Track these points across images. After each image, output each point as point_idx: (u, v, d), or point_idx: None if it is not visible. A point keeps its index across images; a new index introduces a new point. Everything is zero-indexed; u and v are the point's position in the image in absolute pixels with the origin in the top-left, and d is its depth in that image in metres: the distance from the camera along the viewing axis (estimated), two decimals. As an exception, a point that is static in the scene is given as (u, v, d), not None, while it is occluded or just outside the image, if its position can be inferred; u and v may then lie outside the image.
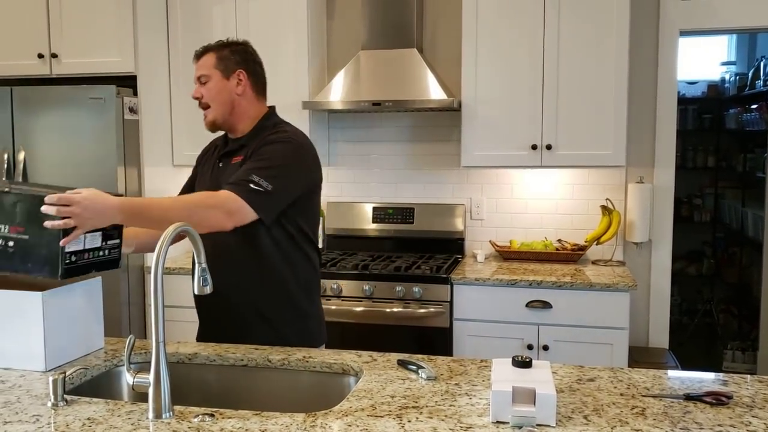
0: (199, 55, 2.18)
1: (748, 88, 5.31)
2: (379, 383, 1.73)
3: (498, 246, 3.65)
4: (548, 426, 1.46)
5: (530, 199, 3.72)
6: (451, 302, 3.22)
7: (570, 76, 3.30)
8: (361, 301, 3.29)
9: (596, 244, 3.53)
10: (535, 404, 1.47)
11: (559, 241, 3.65)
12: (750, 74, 5.32)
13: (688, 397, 1.61)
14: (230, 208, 1.90)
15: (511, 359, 1.65)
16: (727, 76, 5.84)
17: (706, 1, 3.47)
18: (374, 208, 3.86)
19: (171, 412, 1.50)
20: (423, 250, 3.76)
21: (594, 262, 3.54)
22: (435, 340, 3.23)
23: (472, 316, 3.21)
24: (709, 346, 5.27)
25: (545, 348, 3.11)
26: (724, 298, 5.90)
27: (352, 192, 3.95)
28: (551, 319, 3.11)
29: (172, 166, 3.77)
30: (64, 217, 1.69)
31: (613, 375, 1.79)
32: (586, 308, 3.09)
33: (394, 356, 1.95)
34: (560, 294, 3.12)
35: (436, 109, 3.62)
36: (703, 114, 5.91)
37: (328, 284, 3.30)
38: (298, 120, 3.57)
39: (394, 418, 1.51)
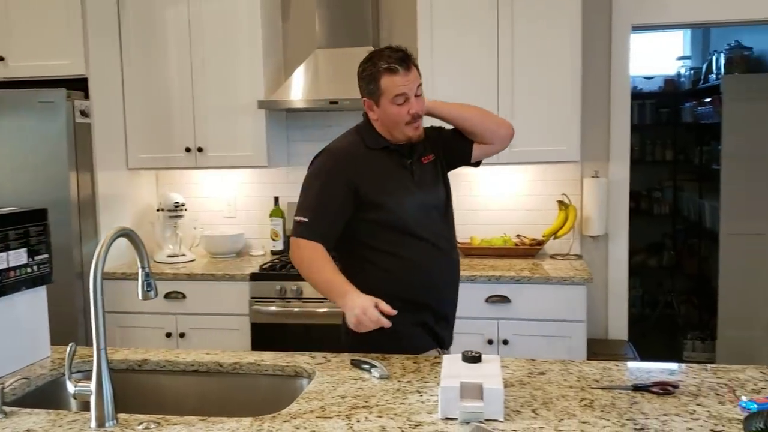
0: (408, 65, 2.06)
1: (702, 82, 5.41)
2: (330, 384, 1.72)
3: (459, 243, 3.65)
4: (496, 420, 1.46)
5: (489, 196, 3.74)
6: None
7: (525, 73, 3.32)
8: (323, 302, 3.26)
9: (554, 239, 3.56)
10: (483, 399, 1.47)
11: (518, 236, 3.67)
12: (704, 68, 5.41)
13: (636, 388, 1.63)
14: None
15: (461, 355, 1.66)
16: (682, 71, 5.94)
17: (657, -3, 3.52)
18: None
19: (114, 421, 1.47)
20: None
21: (552, 257, 3.57)
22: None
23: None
24: (671, 336, 5.35)
25: (505, 342, 3.13)
26: (684, 289, 6.00)
27: (313, 192, 3.91)
28: (511, 313, 3.13)
29: (127, 169, 3.71)
30: None
31: (563, 368, 1.81)
32: (544, 302, 3.11)
33: (348, 356, 1.95)
34: (519, 288, 3.13)
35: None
36: (661, 108, 6.00)
37: (288, 286, 3.27)
38: (254, 119, 3.56)
39: (343, 419, 1.50)
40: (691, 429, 1.40)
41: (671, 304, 5.90)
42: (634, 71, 6.04)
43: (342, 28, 3.60)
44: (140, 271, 1.61)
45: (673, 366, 1.81)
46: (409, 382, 1.73)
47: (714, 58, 5.08)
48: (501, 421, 1.46)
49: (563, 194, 3.58)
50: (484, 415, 1.46)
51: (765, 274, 4.63)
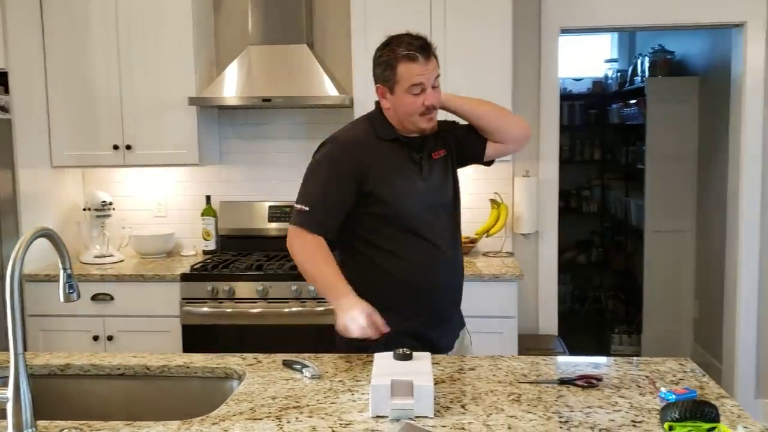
0: (428, 54, 1.98)
1: (628, 84, 5.59)
2: (261, 385, 1.70)
3: (393, 241, 3.67)
4: (426, 417, 1.48)
5: (423, 194, 3.76)
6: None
7: (457, 72, 3.35)
8: (256, 302, 3.23)
9: (486, 237, 3.61)
10: (413, 396, 1.48)
11: (452, 234, 3.70)
12: (630, 71, 5.59)
13: (562, 382, 1.67)
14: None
15: (392, 353, 1.66)
16: (609, 73, 6.12)
17: (584, 1, 3.61)
18: (270, 207, 3.79)
19: (33, 428, 1.41)
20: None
21: (485, 254, 3.62)
22: (333, 337, 3.20)
23: (368, 312, 3.21)
24: (599, 331, 5.51)
25: (439, 340, 3.16)
26: (612, 284, 6.20)
27: (247, 191, 3.87)
28: (444, 311, 3.16)
29: (51, 167, 3.57)
30: None
31: (493, 363, 1.84)
32: (476, 299, 3.12)
33: (280, 357, 1.93)
34: (452, 286, 3.16)
35: (329, 106, 3.60)
36: (589, 109, 6.18)
37: (220, 287, 3.22)
38: (185, 116, 3.49)
39: (273, 420, 1.49)
40: (613, 420, 1.45)
41: (599, 300, 6.09)
42: (563, 73, 6.20)
43: (275, 25, 3.56)
44: (62, 272, 1.56)
45: (598, 360, 1.87)
46: (341, 381, 1.73)
47: (639, 61, 5.26)
48: (431, 418, 1.48)
49: (495, 193, 3.64)
50: (414, 412, 1.47)
51: (687, 269, 4.82)
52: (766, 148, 3.61)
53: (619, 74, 5.93)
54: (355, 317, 1.83)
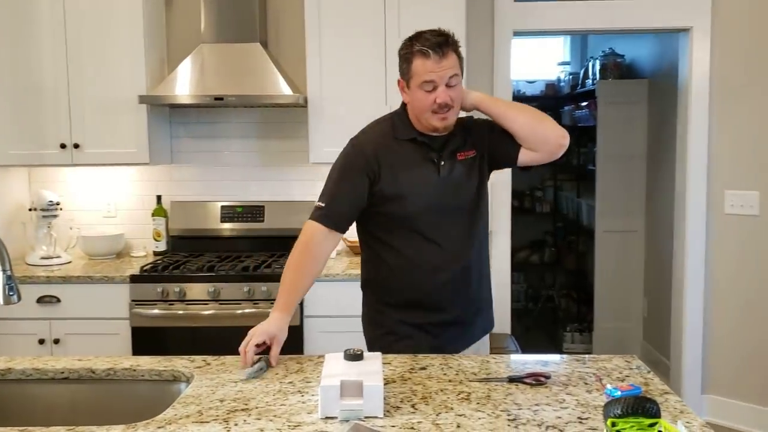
0: (444, 51, 1.93)
1: (579, 86, 5.68)
2: (209, 388, 1.68)
3: (349, 242, 3.67)
4: (376, 417, 1.47)
5: (378, 195, 3.76)
6: (301, 300, 3.19)
7: (411, 73, 3.37)
8: (207, 303, 3.19)
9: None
10: (363, 397, 1.48)
11: (407, 234, 3.71)
12: (581, 74, 5.69)
13: (511, 380, 1.69)
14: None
15: (343, 353, 1.66)
16: (562, 76, 6.22)
17: (537, 4, 3.66)
18: (222, 207, 3.75)
19: (-31, 435, 1.37)
20: (275, 248, 3.70)
21: (440, 254, 3.64)
22: (287, 338, 3.18)
23: (322, 313, 3.21)
24: (552, 329, 5.60)
25: (393, 340, 3.16)
26: (564, 283, 6.29)
27: (199, 191, 3.81)
28: (398, 311, 3.16)
29: (-6, 166, 3.47)
30: None
31: (444, 362, 1.84)
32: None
33: (231, 359, 1.91)
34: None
35: (282, 105, 3.58)
36: (543, 111, 6.25)
37: (171, 288, 3.17)
38: (135, 115, 3.42)
39: (221, 423, 1.47)
40: (560, 417, 1.47)
41: (552, 299, 6.18)
42: (517, 75, 6.30)
43: (228, 23, 3.52)
44: (1, 274, 1.51)
45: (547, 357, 1.89)
46: (291, 382, 1.72)
47: (590, 64, 5.35)
48: (380, 418, 1.47)
49: (449, 193, 3.65)
50: (364, 412, 1.47)
51: (637, 269, 4.93)
52: (711, 149, 3.71)
53: (571, 77, 6.03)
54: (246, 342, 1.88)
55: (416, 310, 2.06)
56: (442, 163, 2.02)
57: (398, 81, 2.06)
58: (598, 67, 5.11)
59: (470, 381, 1.70)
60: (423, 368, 1.80)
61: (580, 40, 6.26)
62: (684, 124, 3.80)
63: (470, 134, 2.08)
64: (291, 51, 3.65)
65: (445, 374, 1.75)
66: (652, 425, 1.17)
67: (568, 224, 6.16)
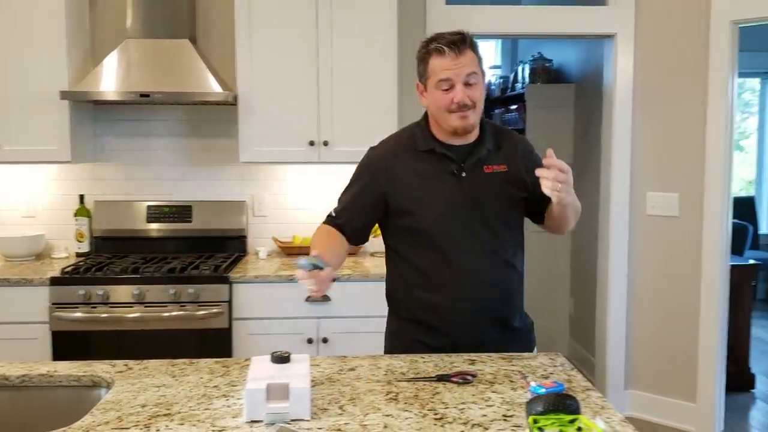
0: (460, 49, 1.85)
1: (509, 90, 5.79)
2: (131, 393, 1.63)
3: (280, 242, 3.63)
4: (302, 420, 1.46)
5: (311, 195, 3.74)
6: (230, 302, 3.14)
7: (344, 75, 3.36)
8: (132, 306, 3.09)
9: (374, 237, 3.61)
10: (289, 399, 1.46)
11: (339, 235, 3.70)
12: (511, 77, 5.80)
13: (439, 379, 1.70)
14: None
15: (270, 356, 1.63)
16: (493, 79, 6.32)
17: (468, 8, 3.71)
18: (149, 207, 3.65)
19: None
20: (203, 249, 3.63)
21: (372, 254, 3.64)
22: (214, 341, 3.13)
23: (252, 315, 3.16)
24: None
25: (325, 341, 3.15)
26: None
27: (124, 190, 3.70)
28: (330, 312, 3.15)
29: None
30: None
31: (373, 363, 1.84)
32: (363, 299, 3.16)
33: (155, 363, 1.85)
34: (339, 287, 3.10)
35: (212, 103, 3.51)
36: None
37: (94, 291, 3.06)
38: (57, 111, 3.30)
39: (141, 429, 1.42)
40: (485, 415, 1.48)
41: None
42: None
43: (156, 18, 3.42)
44: None
45: (475, 356, 1.91)
46: (216, 386, 1.68)
47: (520, 68, 5.46)
48: (307, 420, 1.46)
49: (381, 194, 3.66)
50: (290, 415, 1.45)
51: (564, 268, 5.05)
52: (634, 152, 3.84)
53: (502, 80, 6.14)
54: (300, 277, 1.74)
55: (430, 330, 1.98)
56: (464, 174, 1.93)
57: (417, 85, 1.97)
58: (527, 72, 5.22)
59: (399, 381, 1.70)
60: (352, 369, 1.79)
61: (511, 44, 6.38)
62: (608, 127, 3.92)
63: (502, 147, 1.98)
64: (221, 47, 3.59)
65: (373, 375, 1.75)
66: (572, 421, 1.20)
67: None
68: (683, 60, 3.63)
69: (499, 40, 6.51)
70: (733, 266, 3.80)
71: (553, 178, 1.73)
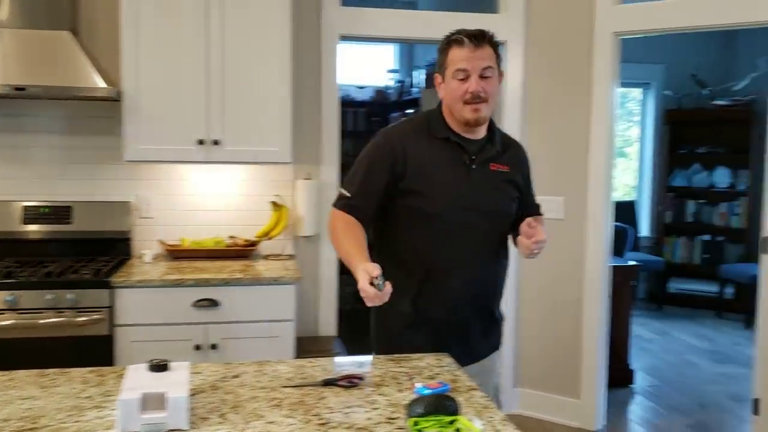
0: (479, 43, 1.94)
1: (406, 94, 5.86)
2: (-9, 407, 1.51)
3: (168, 245, 3.50)
4: (180, 430, 1.39)
5: (201, 196, 3.63)
6: (111, 307, 2.99)
7: (235, 73, 3.28)
8: (4, 313, 2.89)
9: (267, 239, 3.57)
10: (166, 409, 1.39)
11: (231, 237, 3.61)
12: (408, 82, 5.87)
13: (326, 383, 1.67)
14: None
15: (147, 364, 1.56)
16: (391, 83, 6.38)
17: (364, 10, 3.71)
18: (25, 207, 3.42)
19: None
20: (84, 252, 3.44)
21: (266, 257, 3.58)
22: (95, 349, 2.97)
23: (136, 321, 3.02)
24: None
25: (214, 347, 3.05)
26: (392, 285, 6.43)
27: (-2, 189, 3.46)
28: (219, 317, 3.06)
29: None
30: None
31: (258, 369, 1.79)
32: (254, 303, 3.10)
33: (22, 374, 1.73)
34: (228, 291, 3.08)
35: (94, 99, 3.34)
36: (372, 117, 6.39)
37: (-40, 296, 2.84)
38: None
39: (0, 446, 1.32)
40: (370, 418, 1.47)
41: (381, 300, 6.28)
42: (349, 80, 6.37)
43: (33, 7, 3.21)
44: None
45: (363, 359, 1.90)
46: (89, 397, 1.58)
47: (416, 73, 5.53)
48: (185, 430, 1.40)
49: (276, 195, 3.60)
50: (167, 425, 1.38)
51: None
52: (522, 158, 3.95)
53: (398, 84, 6.20)
54: (362, 288, 1.76)
55: (424, 310, 2.03)
56: (474, 167, 2.02)
57: (435, 76, 2.05)
58: (423, 76, 5.29)
59: (284, 387, 1.66)
60: (236, 376, 1.74)
61: (408, 49, 6.45)
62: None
63: (507, 150, 2.11)
64: (105, 41, 3.41)
65: (258, 381, 1.70)
66: (451, 422, 1.20)
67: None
68: (569, 68, 3.78)
69: (397, 45, 6.57)
70: (614, 267, 3.99)
71: (535, 249, 1.90)
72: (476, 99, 1.94)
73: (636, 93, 7.57)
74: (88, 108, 3.48)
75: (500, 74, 2.02)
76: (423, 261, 2.02)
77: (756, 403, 3.50)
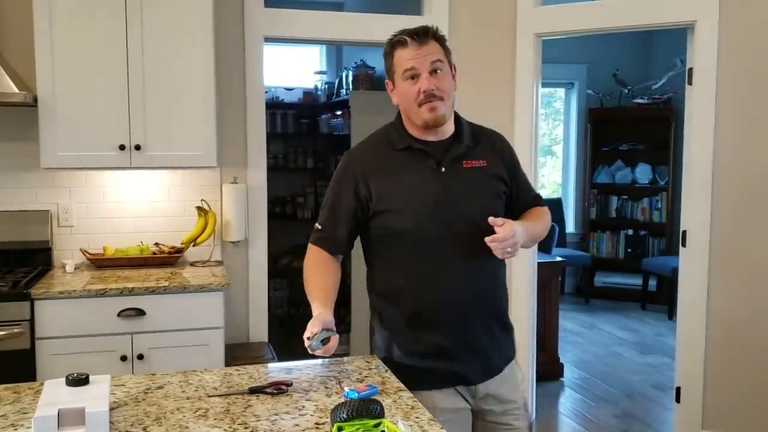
0: (423, 39, 1.85)
1: (335, 96, 5.85)
2: None
3: (90, 254, 3.38)
4: (99, 446, 1.35)
5: (124, 203, 3.53)
6: (32, 320, 2.88)
7: (157, 76, 3.20)
8: None
9: (193, 246, 3.50)
10: (85, 425, 1.35)
11: (157, 244, 3.53)
12: (336, 83, 5.86)
13: (252, 391, 1.65)
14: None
15: (65, 378, 1.50)
16: (319, 85, 6.35)
17: (288, 11, 3.68)
18: (-66, 219, 3.26)
19: None
20: (1, 263, 3.29)
21: (192, 264, 3.50)
22: (15, 364, 2.84)
23: (58, 333, 2.91)
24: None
25: (140, 357, 2.97)
26: (326, 287, 6.41)
27: None
28: (145, 326, 2.98)
29: None
30: None
31: (184, 379, 1.75)
32: (181, 311, 3.03)
33: (-72, 394, 1.64)
34: (154, 299, 3.00)
35: (8, 104, 3.19)
36: (301, 119, 6.35)
37: None
38: None
39: None
40: (298, 425, 1.46)
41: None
42: (275, 82, 6.32)
43: (-62, 8, 3.07)
44: None
45: (291, 364, 1.88)
46: (3, 416, 1.52)
47: (344, 75, 5.53)
48: (105, 446, 1.35)
49: (202, 200, 3.54)
50: (86, 442, 1.34)
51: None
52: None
53: (327, 86, 6.18)
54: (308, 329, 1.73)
55: (421, 331, 1.90)
56: (443, 169, 1.88)
57: (386, 83, 1.97)
58: (351, 78, 5.29)
59: (210, 396, 1.63)
60: (160, 387, 1.70)
61: (336, 50, 6.44)
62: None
63: (480, 142, 1.98)
64: (18, 43, 3.26)
65: (183, 392, 1.66)
66: (376, 425, 1.20)
67: (328, 229, 6.29)
68: (494, 69, 3.85)
69: (324, 46, 6.55)
70: (541, 263, 4.09)
71: (502, 249, 1.77)
72: (430, 97, 1.83)
73: (561, 93, 7.78)
74: (2, 114, 3.33)
75: (453, 68, 1.93)
76: (413, 281, 1.89)
77: (678, 391, 3.65)
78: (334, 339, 1.71)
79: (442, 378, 1.89)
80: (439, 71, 1.85)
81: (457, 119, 1.99)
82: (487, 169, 1.94)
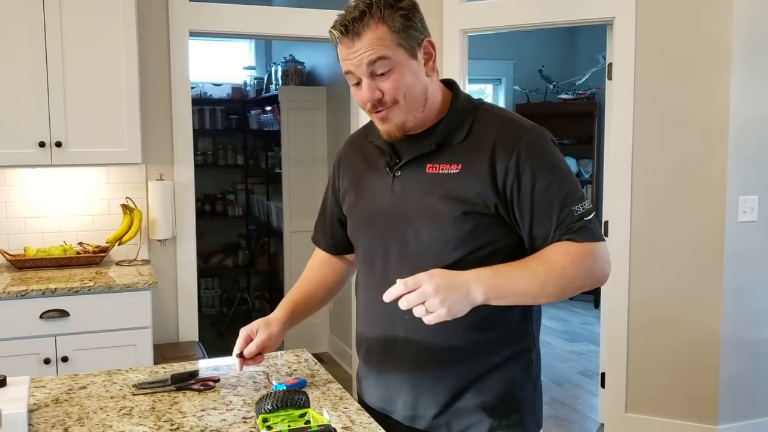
0: (356, 31, 1.35)
1: (264, 91, 5.80)
2: None
3: (10, 255, 3.26)
4: (17, 450, 1.31)
5: (46, 202, 3.41)
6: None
7: (77, 72, 3.10)
8: None
9: (119, 245, 3.41)
10: (2, 427, 1.31)
11: (81, 244, 3.43)
12: (266, 79, 5.81)
13: (179, 388, 1.63)
14: (606, 259, 1.42)
15: (-20, 382, 1.45)
16: (248, 80, 6.29)
17: (213, 5, 3.63)
18: None
19: None
20: None
21: (118, 263, 3.42)
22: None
23: (-24, 338, 2.80)
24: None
25: (65, 360, 2.89)
26: (258, 285, 6.38)
27: None
28: (70, 327, 2.90)
29: None
30: None
31: (108, 378, 1.72)
32: (107, 312, 2.96)
33: None
34: (78, 300, 2.92)
35: None
36: (230, 115, 6.27)
37: None
38: None
39: None
40: (225, 420, 1.45)
41: (246, 301, 6.22)
42: (203, 78, 6.22)
43: None
44: None
45: (219, 361, 1.87)
46: None
47: (274, 70, 5.49)
48: (24, 449, 1.32)
49: (127, 198, 3.46)
50: (3, 445, 1.30)
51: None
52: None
53: (256, 81, 6.12)
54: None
55: (368, 349, 1.63)
56: (398, 173, 1.48)
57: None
58: (280, 73, 5.26)
59: (134, 395, 1.60)
60: (83, 387, 1.66)
61: (265, 45, 6.39)
62: (356, 128, 4.07)
63: (466, 141, 1.44)
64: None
65: (107, 391, 1.63)
66: (302, 416, 1.21)
67: (261, 227, 6.26)
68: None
69: (253, 41, 6.49)
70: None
71: (406, 306, 1.26)
72: (378, 106, 1.41)
73: (489, 89, 7.93)
74: None
75: (419, 48, 1.41)
76: (358, 288, 1.65)
77: (602, 376, 3.79)
78: (257, 359, 1.64)
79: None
80: (383, 71, 1.37)
81: (453, 101, 1.49)
82: (459, 178, 1.41)
